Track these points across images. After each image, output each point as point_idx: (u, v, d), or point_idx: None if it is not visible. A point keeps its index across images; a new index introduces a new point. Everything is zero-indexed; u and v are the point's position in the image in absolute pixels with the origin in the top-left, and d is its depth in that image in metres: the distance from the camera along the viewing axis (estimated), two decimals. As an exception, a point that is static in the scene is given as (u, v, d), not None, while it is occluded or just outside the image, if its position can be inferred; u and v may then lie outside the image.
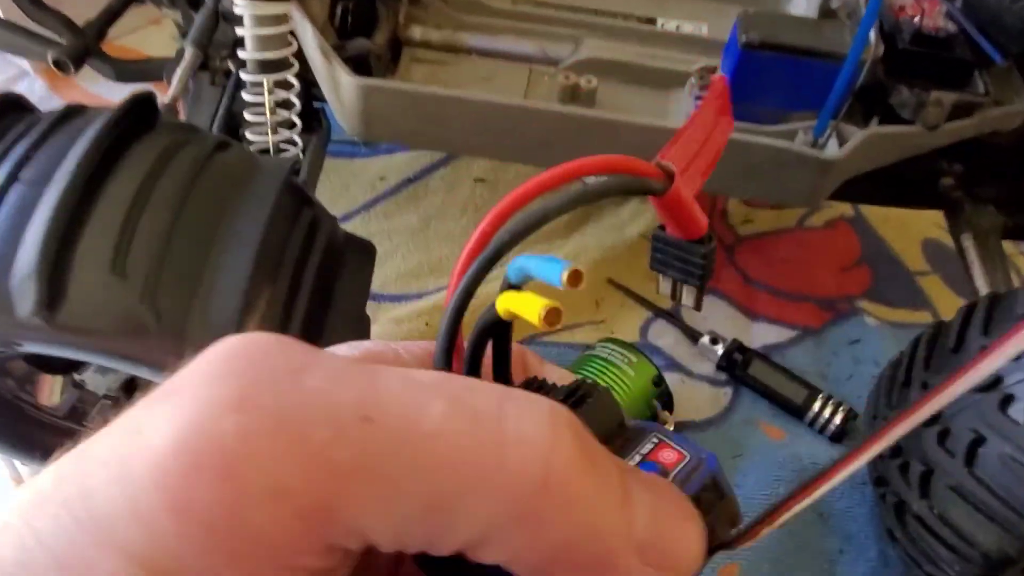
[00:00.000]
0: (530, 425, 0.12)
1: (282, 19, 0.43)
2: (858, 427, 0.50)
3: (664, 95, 0.51)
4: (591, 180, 0.17)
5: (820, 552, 0.46)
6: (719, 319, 0.58)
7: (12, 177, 0.33)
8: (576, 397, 0.16)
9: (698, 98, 0.49)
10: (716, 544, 0.15)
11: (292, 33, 0.45)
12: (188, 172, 0.36)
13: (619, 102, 0.50)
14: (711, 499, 0.15)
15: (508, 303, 0.15)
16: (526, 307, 0.14)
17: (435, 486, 0.12)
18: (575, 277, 0.14)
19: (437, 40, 0.52)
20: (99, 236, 0.32)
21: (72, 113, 0.37)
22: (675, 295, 0.26)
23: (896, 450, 0.38)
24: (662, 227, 0.22)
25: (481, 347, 0.16)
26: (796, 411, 0.51)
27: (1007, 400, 0.33)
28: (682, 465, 0.15)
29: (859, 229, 0.65)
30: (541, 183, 0.16)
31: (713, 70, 0.50)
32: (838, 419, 0.50)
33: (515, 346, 0.18)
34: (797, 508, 0.14)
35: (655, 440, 0.16)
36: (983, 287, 0.45)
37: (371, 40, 0.48)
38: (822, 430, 0.51)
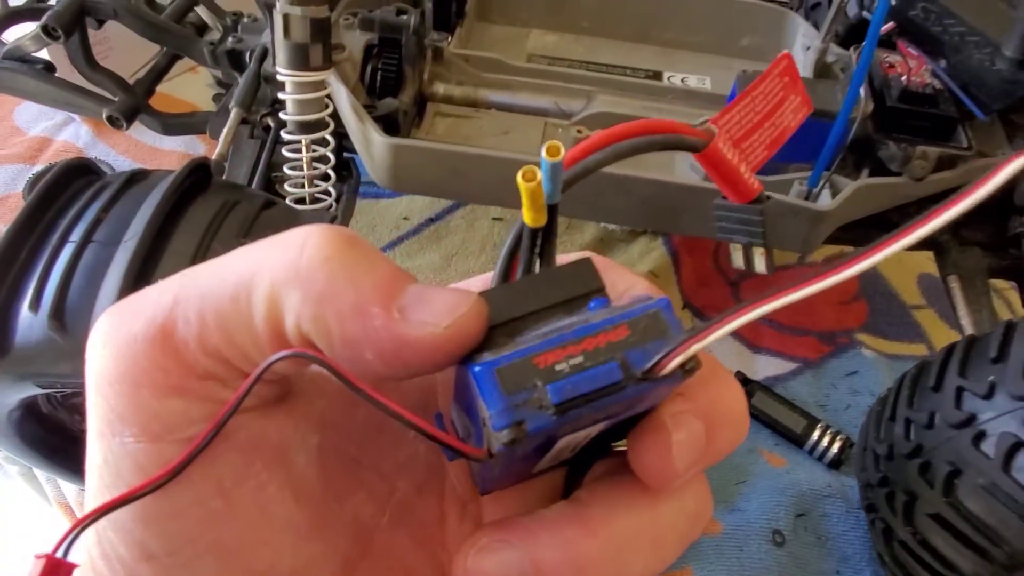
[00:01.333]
0: (294, 231, 0.16)
1: (320, 85, 0.48)
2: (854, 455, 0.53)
3: (669, 146, 0.55)
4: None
5: (818, 572, 0.49)
6: (724, 352, 0.61)
7: (87, 238, 0.38)
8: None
9: (701, 150, 0.53)
10: (644, 370, 0.15)
11: (328, 95, 0.50)
12: (240, 228, 0.40)
13: (627, 153, 0.53)
14: (648, 326, 0.15)
15: (524, 192, 0.16)
16: (530, 169, 0.16)
17: (235, 278, 0.16)
18: (553, 148, 0.16)
19: (459, 96, 0.56)
20: (164, 290, 0.37)
21: (136, 177, 0.41)
22: (748, 263, 0.28)
23: (884, 480, 0.42)
24: (723, 196, 0.23)
25: (512, 266, 0.18)
26: (796, 440, 0.54)
27: (980, 436, 0.36)
28: (630, 301, 0.16)
29: (858, 264, 0.68)
30: (593, 143, 0.18)
31: (715, 123, 0.54)
32: (835, 447, 0.53)
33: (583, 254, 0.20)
34: (716, 335, 0.14)
35: (626, 298, 0.17)
36: (967, 327, 0.48)
37: (399, 98, 0.53)
38: (821, 457, 0.54)
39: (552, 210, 0.17)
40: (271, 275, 0.16)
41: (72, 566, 0.17)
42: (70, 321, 0.35)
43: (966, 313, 0.48)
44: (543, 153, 0.16)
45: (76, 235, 0.38)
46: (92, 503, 0.17)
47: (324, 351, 0.16)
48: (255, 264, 0.16)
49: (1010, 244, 0.52)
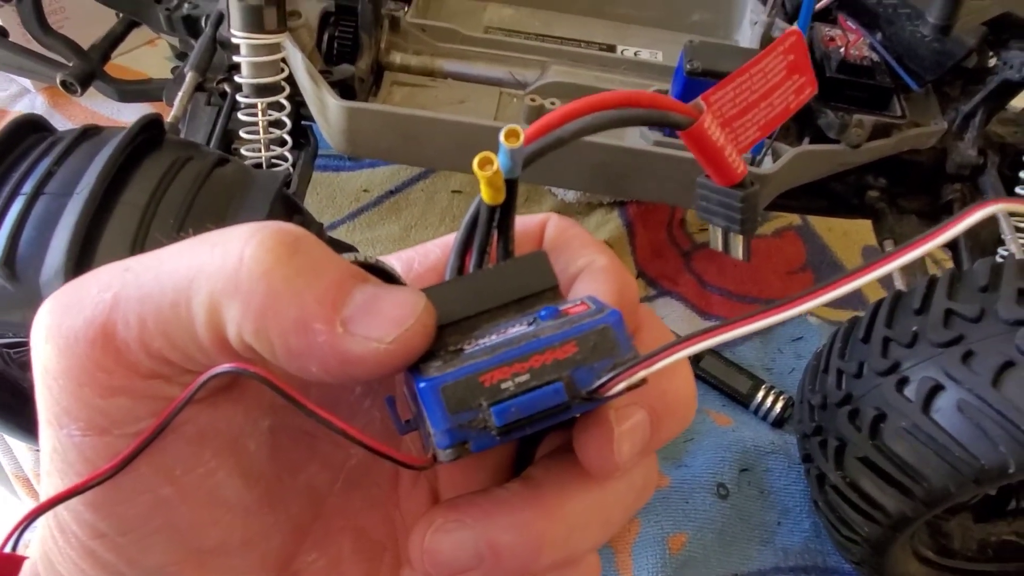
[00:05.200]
0: (234, 233, 0.16)
1: (275, 48, 0.48)
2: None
3: (621, 115, 0.56)
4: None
5: (760, 524, 0.51)
6: (675, 318, 0.63)
7: (38, 190, 0.38)
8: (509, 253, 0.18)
9: (650, 119, 0.54)
10: (589, 390, 0.15)
11: (284, 60, 0.50)
12: (192, 184, 0.40)
13: (580, 122, 0.55)
14: (596, 343, 0.15)
15: (481, 178, 0.16)
16: (486, 157, 0.15)
17: (174, 282, 0.16)
18: (512, 133, 0.15)
19: (415, 65, 0.57)
20: (116, 240, 0.37)
21: (89, 133, 0.41)
22: (725, 246, 0.27)
23: (818, 429, 0.44)
24: (707, 175, 0.21)
25: (470, 239, 0.18)
26: (742, 400, 0.57)
27: (903, 382, 0.38)
28: (581, 312, 0.16)
29: (805, 237, 0.71)
30: (574, 109, 0.17)
31: (665, 93, 0.55)
32: (778, 407, 0.55)
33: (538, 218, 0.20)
34: (663, 363, 0.15)
35: (579, 301, 0.17)
36: (902, 287, 0.51)
37: (355, 65, 0.53)
38: (765, 417, 0.56)
39: (511, 184, 0.17)
40: (210, 284, 0.15)
41: (21, 559, 0.18)
42: (21, 270, 0.36)
43: (900, 275, 0.50)
44: (501, 138, 0.15)
45: (27, 187, 0.38)
46: (45, 482, 0.17)
47: (268, 359, 0.16)
48: (194, 269, 0.16)
49: (943, 211, 0.55)
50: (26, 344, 0.41)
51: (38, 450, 0.51)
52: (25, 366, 0.46)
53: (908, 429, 0.38)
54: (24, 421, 0.46)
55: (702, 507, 0.50)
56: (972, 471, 0.36)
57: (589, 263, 0.19)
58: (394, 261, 0.20)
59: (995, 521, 0.47)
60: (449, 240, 0.19)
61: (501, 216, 0.17)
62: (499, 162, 0.16)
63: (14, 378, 0.45)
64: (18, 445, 0.54)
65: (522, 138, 0.15)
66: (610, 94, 0.17)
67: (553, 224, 0.20)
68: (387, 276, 0.18)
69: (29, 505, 0.54)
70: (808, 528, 0.51)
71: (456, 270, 0.18)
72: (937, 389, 0.37)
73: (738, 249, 0.28)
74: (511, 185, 0.17)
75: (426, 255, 0.20)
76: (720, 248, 0.28)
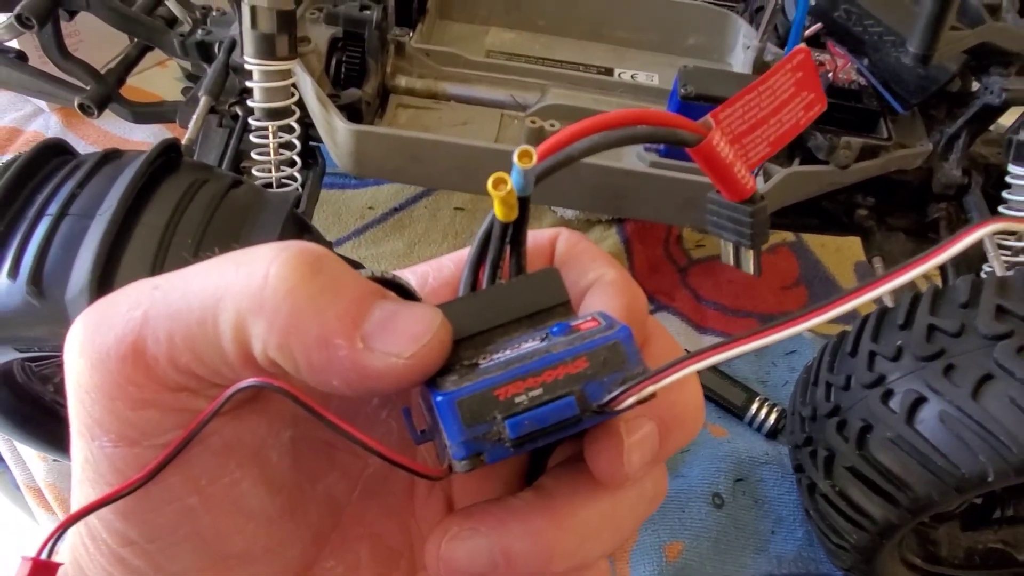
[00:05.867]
0: (259, 253, 0.17)
1: (286, 74, 0.50)
2: (789, 426, 0.57)
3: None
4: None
5: (755, 532, 0.52)
6: (672, 333, 0.64)
7: (62, 211, 0.40)
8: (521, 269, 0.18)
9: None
10: (600, 403, 0.16)
11: (294, 84, 0.52)
12: (208, 206, 0.42)
13: (579, 143, 0.57)
14: (607, 358, 0.16)
15: (495, 197, 0.16)
16: (500, 177, 0.16)
17: (201, 300, 0.16)
18: (524, 153, 0.16)
19: (420, 88, 0.59)
20: (137, 259, 0.39)
21: (110, 156, 0.43)
22: (736, 260, 0.27)
23: (808, 440, 0.45)
24: (718, 190, 0.21)
25: (484, 254, 0.18)
26: (736, 412, 0.58)
27: (888, 394, 0.40)
28: (592, 328, 0.16)
29: (798, 253, 0.73)
30: (585, 128, 0.17)
31: (660, 116, 0.57)
32: (772, 419, 0.57)
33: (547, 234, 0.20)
34: (670, 379, 0.15)
35: (589, 316, 0.17)
36: (889, 304, 0.52)
37: (362, 89, 0.55)
38: (759, 428, 0.58)
39: (523, 202, 0.17)
40: (236, 303, 0.16)
41: (56, 565, 0.19)
42: (47, 287, 0.37)
43: (888, 292, 0.52)
44: (514, 159, 0.16)
45: (53, 208, 0.40)
46: (77, 492, 0.18)
47: (291, 373, 0.16)
48: (220, 288, 0.16)
49: (929, 229, 0.57)
50: (48, 358, 0.43)
51: (55, 460, 0.53)
52: (46, 379, 0.48)
53: (893, 440, 0.39)
54: (44, 432, 0.48)
55: (698, 516, 0.52)
56: (953, 480, 0.38)
57: (599, 277, 0.19)
58: (409, 275, 0.21)
59: (982, 529, 0.48)
60: (462, 255, 0.20)
61: (514, 232, 0.18)
62: (512, 181, 0.16)
63: (35, 391, 0.47)
64: (30, 456, 0.56)
65: (535, 158, 0.16)
66: (621, 112, 0.18)
67: (563, 239, 0.21)
68: (403, 291, 0.19)
69: (40, 516, 0.55)
70: (801, 536, 0.52)
71: (470, 285, 0.19)
72: (920, 401, 0.39)
73: (749, 263, 0.29)
74: (523, 202, 0.17)
75: (440, 270, 0.21)
76: (732, 262, 0.29)
